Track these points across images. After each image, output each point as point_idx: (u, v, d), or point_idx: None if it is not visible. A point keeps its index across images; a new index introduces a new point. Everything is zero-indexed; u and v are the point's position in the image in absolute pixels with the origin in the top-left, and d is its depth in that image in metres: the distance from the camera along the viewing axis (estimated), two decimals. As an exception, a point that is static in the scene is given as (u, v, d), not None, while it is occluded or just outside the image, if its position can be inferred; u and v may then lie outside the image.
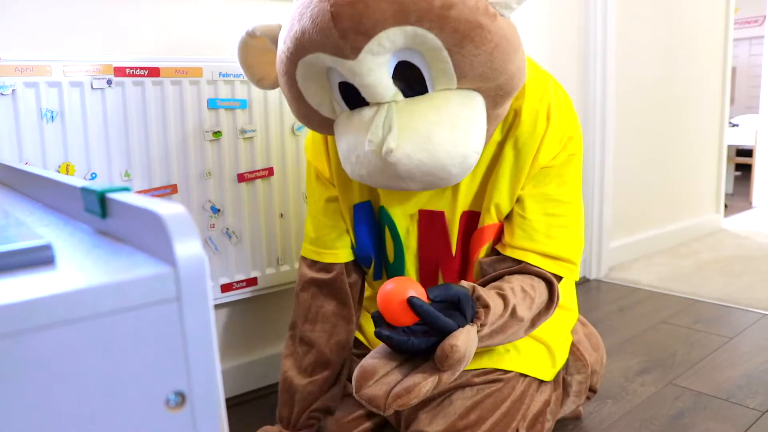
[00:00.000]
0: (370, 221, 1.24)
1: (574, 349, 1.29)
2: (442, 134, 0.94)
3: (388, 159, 0.94)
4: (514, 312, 1.03)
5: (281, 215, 1.56)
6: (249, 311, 1.60)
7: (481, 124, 0.99)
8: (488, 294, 1.00)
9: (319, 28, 0.91)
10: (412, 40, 0.91)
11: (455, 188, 1.14)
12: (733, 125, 4.74)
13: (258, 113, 1.49)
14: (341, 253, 1.26)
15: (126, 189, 0.40)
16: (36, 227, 0.47)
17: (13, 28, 1.26)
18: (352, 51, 0.91)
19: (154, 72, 1.36)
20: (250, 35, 1.12)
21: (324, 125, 1.09)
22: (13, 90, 1.21)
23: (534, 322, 1.10)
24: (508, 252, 1.11)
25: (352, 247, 1.27)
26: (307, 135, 1.30)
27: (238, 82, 1.46)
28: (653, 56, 2.80)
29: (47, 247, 0.35)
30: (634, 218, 2.79)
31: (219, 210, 1.47)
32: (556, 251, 1.11)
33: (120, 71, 1.32)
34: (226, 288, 1.50)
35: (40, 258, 0.35)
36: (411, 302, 0.92)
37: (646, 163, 2.83)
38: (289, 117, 1.54)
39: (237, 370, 1.58)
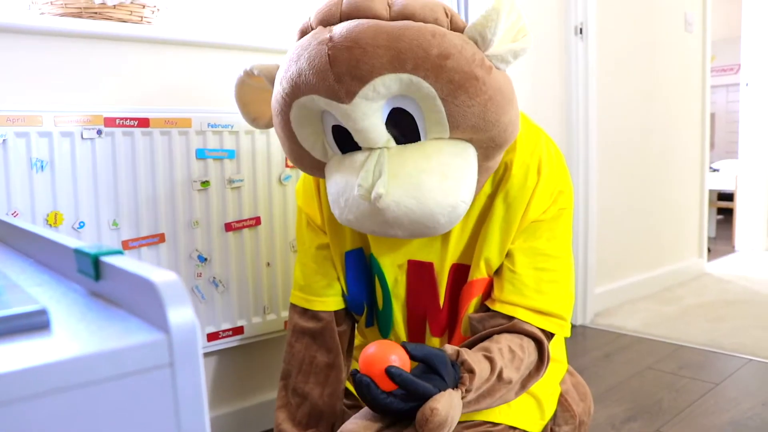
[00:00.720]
0: (361, 268, 1.23)
1: (562, 400, 1.29)
2: (431, 182, 0.94)
3: (376, 204, 0.94)
4: (500, 375, 1.01)
5: (268, 264, 1.57)
6: (235, 360, 1.59)
7: (472, 175, 1.00)
8: (474, 358, 0.98)
9: (316, 71, 0.92)
10: (407, 88, 0.92)
11: (445, 239, 1.14)
12: (714, 170, 4.83)
13: (246, 163, 1.51)
14: (331, 300, 1.25)
15: (119, 252, 0.42)
16: (28, 287, 0.48)
17: (4, 79, 1.27)
18: (347, 95, 0.92)
19: (143, 122, 1.38)
20: (248, 74, 1.14)
21: (315, 167, 1.09)
22: (3, 140, 1.23)
23: (524, 384, 1.08)
24: (497, 307, 1.10)
25: (343, 295, 1.26)
26: (298, 181, 1.30)
27: (227, 132, 1.48)
28: (634, 105, 2.86)
29: (42, 312, 0.36)
30: (618, 264, 2.81)
31: (206, 259, 1.47)
32: (546, 307, 1.09)
33: (110, 121, 1.34)
34: (212, 337, 1.49)
35: (35, 323, 0.36)
36: (389, 373, 0.91)
37: (629, 210, 2.87)
38: (277, 167, 1.56)
39: (224, 418, 1.57)
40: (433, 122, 0.95)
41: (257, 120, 1.19)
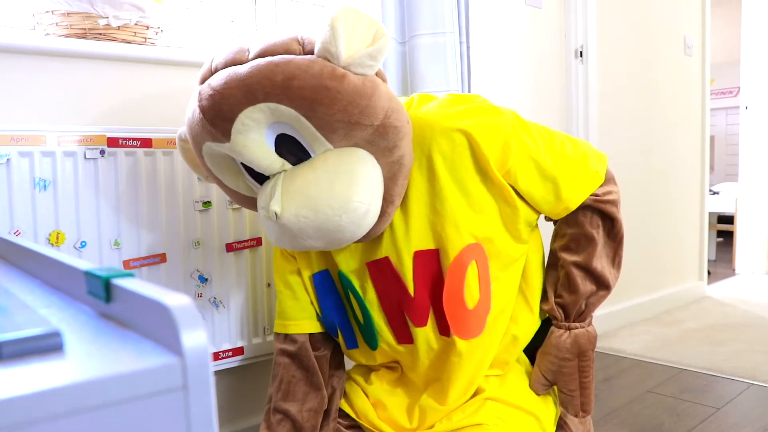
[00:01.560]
0: (328, 289, 1.27)
1: (561, 423, 1.28)
2: (319, 189, 1.01)
3: (279, 222, 1.02)
4: (597, 279, 1.22)
5: (268, 285, 1.57)
6: (235, 380, 1.59)
7: (365, 175, 1.03)
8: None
9: (196, 122, 1.05)
10: (273, 115, 1.00)
11: (391, 231, 1.16)
12: (714, 193, 4.84)
13: (248, 183, 1.52)
14: (304, 324, 1.30)
15: (130, 275, 0.42)
16: (38, 308, 0.48)
17: (9, 99, 1.28)
18: (224, 135, 1.02)
19: (146, 143, 1.38)
20: (180, 138, 1.24)
21: (250, 204, 1.17)
22: (8, 159, 1.23)
23: (616, 250, 1.24)
24: (555, 216, 1.22)
25: (318, 318, 1.30)
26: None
27: (230, 153, 1.48)
28: (634, 128, 2.88)
29: (56, 334, 0.36)
30: (618, 287, 2.81)
31: (207, 279, 1.47)
32: (580, 179, 1.18)
33: (113, 141, 1.35)
34: (212, 357, 1.49)
35: (49, 345, 0.36)
36: None
37: (629, 232, 2.87)
38: (279, 187, 1.57)
39: (221, 441, 1.56)
40: (310, 138, 1.02)
41: (208, 177, 1.22)
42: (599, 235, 1.20)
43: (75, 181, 1.31)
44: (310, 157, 1.05)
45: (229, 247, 1.50)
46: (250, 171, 1.09)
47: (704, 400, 1.95)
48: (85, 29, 1.38)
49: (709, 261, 4.22)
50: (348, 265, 1.23)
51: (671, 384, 2.09)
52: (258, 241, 1.54)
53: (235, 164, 1.11)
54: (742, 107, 4.27)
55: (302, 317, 1.30)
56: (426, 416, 1.23)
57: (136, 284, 0.39)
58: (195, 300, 1.46)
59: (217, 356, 1.49)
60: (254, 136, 1.02)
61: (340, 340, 1.30)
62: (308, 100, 0.98)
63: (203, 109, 1.02)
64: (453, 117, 1.14)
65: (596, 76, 2.56)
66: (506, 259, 1.20)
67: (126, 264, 1.37)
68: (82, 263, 0.48)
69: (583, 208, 1.20)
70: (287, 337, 1.30)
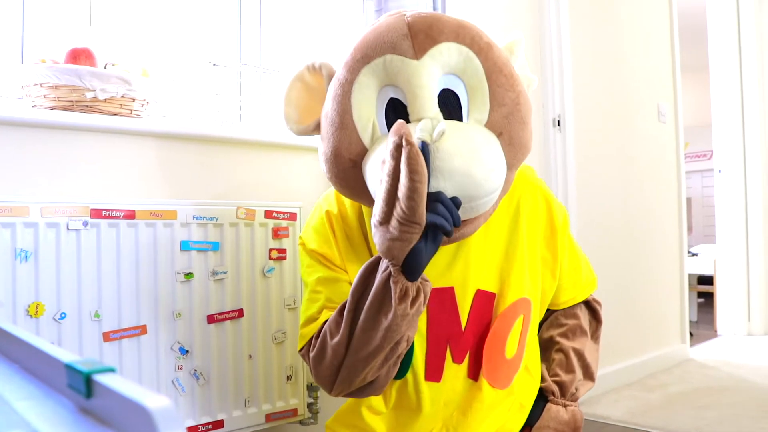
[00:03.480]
0: None
1: None
2: (481, 142, 1.04)
3: (436, 144, 1.00)
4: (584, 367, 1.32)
5: (250, 356, 1.55)
6: (214, 455, 1.55)
7: (503, 162, 1.09)
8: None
9: (394, 29, 1.07)
10: (462, 62, 1.07)
11: (465, 263, 1.18)
12: (693, 254, 4.89)
13: (230, 255, 1.52)
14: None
15: (112, 370, 0.42)
16: (15, 400, 0.47)
17: (-7, 173, 1.29)
18: (419, 51, 1.05)
19: (129, 214, 1.39)
20: (310, 68, 1.20)
21: (353, 163, 1.10)
22: (-11, 231, 1.23)
23: (596, 339, 1.40)
24: (563, 306, 1.35)
25: None
26: (306, 229, 1.29)
27: (211, 225, 1.49)
28: (612, 193, 2.93)
29: (34, 438, 0.36)
30: (601, 351, 2.80)
31: (187, 351, 1.46)
32: (586, 280, 1.38)
33: (96, 213, 1.35)
34: (191, 431, 1.46)
35: (26, 449, 0.35)
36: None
37: (609, 296, 2.88)
38: (260, 259, 1.57)
39: None
40: (476, 103, 1.07)
41: (297, 123, 1.21)
42: (590, 332, 1.36)
43: (57, 252, 1.30)
44: (462, 121, 1.08)
45: (210, 319, 1.49)
46: (391, 114, 1.08)
47: (690, 468, 1.92)
48: (72, 101, 1.40)
49: (690, 322, 4.24)
50: None
51: (657, 451, 2.07)
52: (239, 313, 1.53)
53: (376, 104, 1.09)
54: (716, 171, 4.37)
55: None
56: None
57: (117, 381, 0.39)
58: (175, 372, 1.44)
59: (196, 430, 1.46)
60: (436, 69, 1.06)
61: None
62: (498, 66, 1.08)
63: (411, 24, 1.05)
64: (536, 179, 1.29)
65: (573, 144, 2.62)
66: (534, 325, 1.29)
67: (106, 336, 1.36)
68: (64, 354, 0.48)
69: (581, 303, 1.36)
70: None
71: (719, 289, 4.38)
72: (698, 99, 5.78)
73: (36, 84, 1.40)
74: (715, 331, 4.35)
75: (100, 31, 1.64)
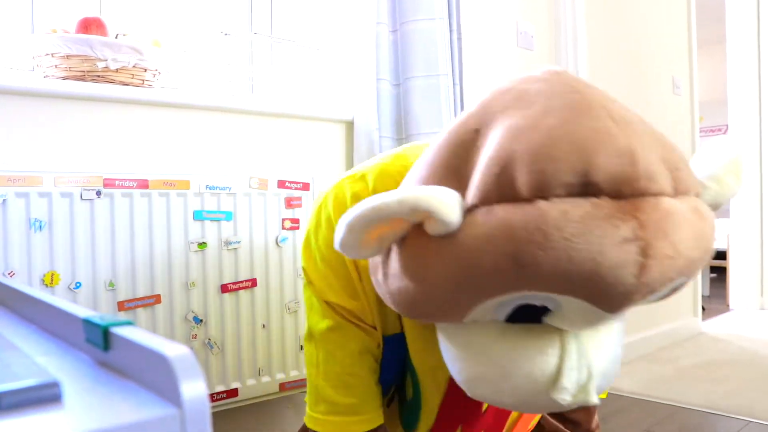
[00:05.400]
0: (398, 353, 1.07)
1: None
2: (614, 354, 0.81)
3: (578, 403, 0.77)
4: None
5: (263, 326, 1.56)
6: (229, 423, 1.57)
7: None
8: None
9: (615, 280, 0.65)
10: None
11: None
12: (705, 229, 4.86)
13: (243, 225, 1.52)
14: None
15: (129, 323, 0.42)
16: (35, 356, 0.48)
17: (7, 139, 1.29)
18: (626, 306, 0.69)
19: (142, 184, 1.39)
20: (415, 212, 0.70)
21: (440, 317, 0.80)
22: (4, 200, 1.23)
23: None
24: None
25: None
26: (310, 253, 1.07)
27: (225, 194, 1.49)
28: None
29: (55, 385, 0.36)
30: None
31: (201, 320, 1.47)
32: None
33: (110, 183, 1.35)
34: (206, 399, 1.47)
35: (47, 396, 0.36)
36: None
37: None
38: (273, 229, 1.57)
39: (215, 485, 1.54)
40: None
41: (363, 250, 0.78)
42: None
43: (71, 222, 1.31)
44: None
45: (224, 288, 1.50)
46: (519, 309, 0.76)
47: (702, 439, 1.93)
48: (83, 71, 1.40)
49: (703, 297, 4.22)
50: (430, 364, 1.05)
51: (669, 422, 2.08)
52: (253, 282, 1.54)
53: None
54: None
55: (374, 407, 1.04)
56: None
57: (134, 333, 0.39)
58: (189, 341, 1.45)
59: (211, 398, 1.48)
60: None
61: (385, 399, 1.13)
62: None
63: (645, 272, 0.65)
64: None
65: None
66: None
67: (120, 305, 1.37)
68: (81, 310, 0.48)
69: None
70: None
71: (732, 263, 4.36)
72: (713, 74, 5.71)
73: (47, 54, 1.39)
74: (728, 306, 4.33)
75: (111, 1, 1.63)
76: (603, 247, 0.63)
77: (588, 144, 0.65)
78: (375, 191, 0.96)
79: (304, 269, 1.08)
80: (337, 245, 0.74)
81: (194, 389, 0.34)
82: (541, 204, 0.64)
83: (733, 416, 2.12)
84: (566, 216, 0.63)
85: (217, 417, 1.54)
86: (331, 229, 1.00)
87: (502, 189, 0.66)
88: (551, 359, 0.76)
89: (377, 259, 0.82)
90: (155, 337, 0.38)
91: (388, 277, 0.78)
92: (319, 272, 1.04)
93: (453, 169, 0.73)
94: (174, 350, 0.35)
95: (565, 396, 0.75)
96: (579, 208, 0.64)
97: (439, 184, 0.73)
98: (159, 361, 0.35)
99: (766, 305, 4.21)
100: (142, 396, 0.36)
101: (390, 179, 0.96)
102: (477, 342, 0.80)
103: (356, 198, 0.97)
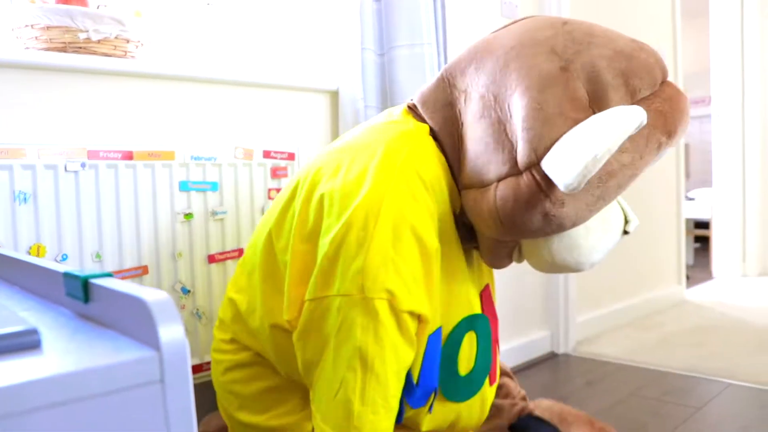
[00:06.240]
0: (438, 350, 1.05)
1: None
2: None
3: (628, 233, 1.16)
4: None
5: (251, 294, 1.57)
6: (218, 392, 1.58)
7: None
8: None
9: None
10: None
11: (479, 261, 1.19)
12: (690, 199, 4.90)
13: (228, 195, 1.52)
14: None
15: (108, 275, 0.42)
16: (17, 311, 0.48)
17: (-12, 114, 1.28)
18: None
19: (127, 155, 1.39)
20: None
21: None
22: (-14, 173, 1.23)
23: None
24: None
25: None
26: (399, 288, 0.92)
27: (210, 164, 1.49)
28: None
29: (34, 332, 0.37)
30: (599, 292, 2.84)
31: (189, 291, 1.47)
32: None
33: (94, 154, 1.35)
34: (195, 369, 1.48)
35: (26, 342, 0.36)
36: None
37: (608, 238, 2.90)
38: (259, 199, 1.57)
39: (205, 453, 1.55)
40: None
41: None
42: None
43: (56, 194, 1.31)
44: None
45: (212, 259, 1.50)
46: None
47: (686, 400, 1.97)
48: (65, 43, 1.38)
49: (687, 266, 4.27)
50: (469, 302, 1.11)
51: (653, 386, 2.12)
52: (240, 252, 1.55)
53: None
54: (713, 116, 4.35)
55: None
56: None
57: (114, 283, 0.40)
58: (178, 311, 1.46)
59: (200, 368, 1.49)
60: None
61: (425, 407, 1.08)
62: None
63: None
64: None
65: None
66: None
67: (107, 276, 1.37)
68: (61, 267, 0.49)
69: None
70: None
71: (715, 232, 4.41)
72: (696, 45, 5.71)
73: (27, 25, 1.38)
74: (711, 275, 4.39)
75: (91, -29, 1.61)
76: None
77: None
78: (426, 171, 1.02)
79: (370, 287, 0.89)
80: (582, 178, 0.93)
81: (172, 332, 0.34)
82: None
83: (715, 378, 2.16)
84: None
85: (206, 386, 1.56)
86: (431, 215, 0.97)
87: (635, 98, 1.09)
88: (620, 212, 1.16)
89: (524, 189, 0.99)
90: (134, 285, 0.39)
91: (559, 199, 0.99)
92: (404, 276, 0.92)
93: (583, 100, 1.03)
94: (152, 295, 0.35)
95: (634, 224, 1.17)
96: None
97: (586, 114, 1.01)
98: (138, 306, 0.36)
99: (748, 272, 4.26)
100: (121, 341, 0.37)
101: (423, 157, 1.05)
102: (601, 218, 1.11)
103: (428, 181, 1.02)
